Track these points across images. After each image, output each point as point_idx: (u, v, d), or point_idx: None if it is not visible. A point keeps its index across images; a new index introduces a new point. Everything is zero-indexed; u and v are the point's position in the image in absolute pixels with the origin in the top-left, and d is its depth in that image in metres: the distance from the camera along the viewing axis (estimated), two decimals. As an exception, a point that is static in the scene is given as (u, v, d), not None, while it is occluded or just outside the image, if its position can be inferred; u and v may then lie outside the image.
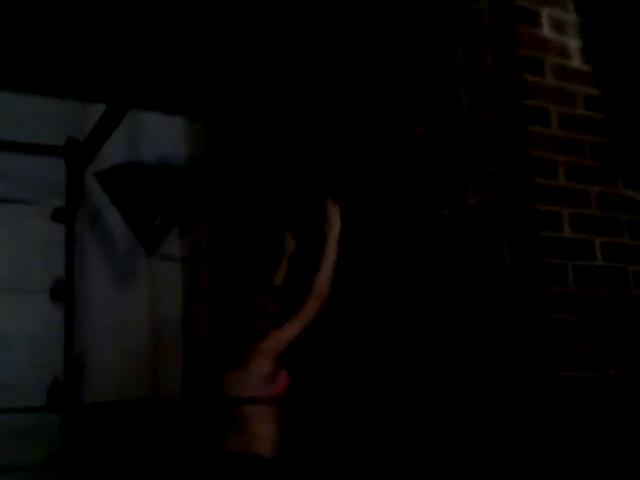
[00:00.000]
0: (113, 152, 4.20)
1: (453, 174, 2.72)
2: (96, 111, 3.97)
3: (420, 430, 2.77)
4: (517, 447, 2.38)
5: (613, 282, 2.49)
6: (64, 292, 4.13)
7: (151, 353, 4.49)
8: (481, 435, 2.51)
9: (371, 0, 3.27)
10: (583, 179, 2.52)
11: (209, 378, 4.24)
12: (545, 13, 2.57)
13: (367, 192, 3.20)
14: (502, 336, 2.48)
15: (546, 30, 2.56)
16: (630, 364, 2.45)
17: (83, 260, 4.28)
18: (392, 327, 2.97)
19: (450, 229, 2.71)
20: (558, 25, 2.60)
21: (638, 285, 2.54)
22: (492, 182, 2.54)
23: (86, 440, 4.00)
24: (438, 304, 2.76)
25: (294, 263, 3.16)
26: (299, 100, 3.84)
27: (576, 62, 2.61)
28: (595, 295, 2.44)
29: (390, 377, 2.95)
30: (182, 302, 4.60)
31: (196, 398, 4.37)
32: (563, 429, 2.28)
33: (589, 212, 2.50)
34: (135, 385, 4.38)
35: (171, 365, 4.52)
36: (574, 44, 2.61)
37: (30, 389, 4.04)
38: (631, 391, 2.41)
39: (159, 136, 4.59)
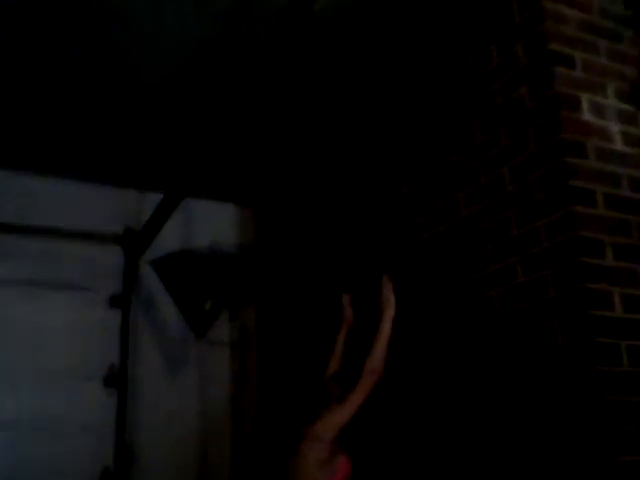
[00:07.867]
0: (166, 239, 4.34)
1: (501, 254, 2.75)
2: (151, 200, 4.15)
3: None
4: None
5: (668, 362, 2.46)
6: (117, 379, 4.18)
7: (199, 442, 4.47)
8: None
9: (410, 96, 3.42)
10: (632, 259, 2.53)
11: (258, 466, 4.19)
12: (585, 98, 2.65)
13: (414, 275, 3.24)
14: (557, 418, 2.44)
15: (587, 114, 2.64)
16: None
17: (136, 346, 4.35)
18: (446, 407, 2.95)
19: (500, 309, 2.73)
20: (598, 109, 2.67)
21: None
22: (540, 262, 2.57)
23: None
24: (489, 385, 2.74)
25: (350, 340, 3.14)
26: (345, 186, 3.96)
27: (618, 145, 2.67)
28: (651, 375, 2.40)
29: (449, 458, 2.91)
30: (230, 387, 4.61)
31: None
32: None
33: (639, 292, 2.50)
34: (183, 475, 4.35)
35: (219, 453, 4.48)
36: (615, 127, 2.68)
37: (81, 477, 4.05)
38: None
39: (210, 223, 4.75)
